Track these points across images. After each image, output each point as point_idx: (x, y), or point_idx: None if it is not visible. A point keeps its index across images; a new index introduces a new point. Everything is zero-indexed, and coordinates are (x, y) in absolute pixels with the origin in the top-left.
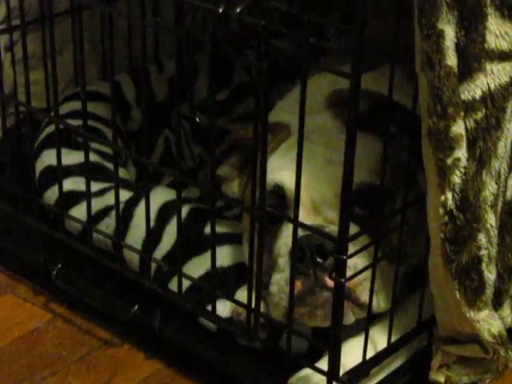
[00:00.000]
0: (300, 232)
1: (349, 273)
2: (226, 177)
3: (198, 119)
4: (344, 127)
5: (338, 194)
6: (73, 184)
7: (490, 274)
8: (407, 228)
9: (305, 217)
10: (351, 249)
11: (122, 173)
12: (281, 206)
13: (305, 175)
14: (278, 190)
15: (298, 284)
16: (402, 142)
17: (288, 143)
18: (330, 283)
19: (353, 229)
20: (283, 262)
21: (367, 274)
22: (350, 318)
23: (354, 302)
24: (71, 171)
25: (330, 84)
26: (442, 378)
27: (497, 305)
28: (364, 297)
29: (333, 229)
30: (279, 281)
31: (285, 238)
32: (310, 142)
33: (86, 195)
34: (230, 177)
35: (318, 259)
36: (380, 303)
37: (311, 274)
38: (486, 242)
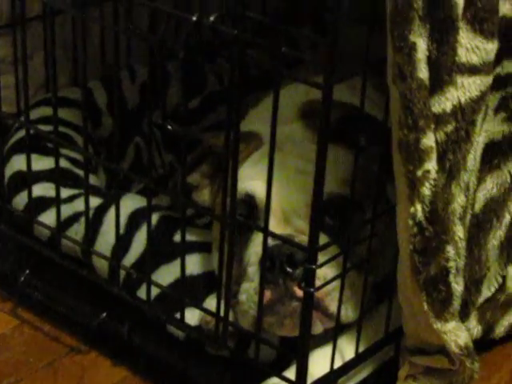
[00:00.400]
0: (270, 242)
1: (318, 283)
2: (197, 185)
3: (169, 127)
4: (315, 138)
5: (308, 204)
6: (42, 190)
7: (458, 286)
8: (376, 239)
9: (275, 226)
10: (321, 259)
11: (92, 179)
12: (251, 215)
13: (276, 185)
14: (249, 199)
15: (267, 293)
16: (372, 153)
17: (260, 152)
18: (299, 293)
19: (322, 239)
20: (253, 270)
21: (336, 284)
22: (318, 328)
23: (322, 312)
24: (41, 177)
25: (303, 94)
26: None
27: (463, 316)
28: (333, 307)
29: (303, 239)
30: (248, 290)
31: (255, 247)
32: (282, 152)
33: (56, 201)
34: (201, 185)
35: (288, 269)
36: (349, 313)
37: (281, 284)
38: (454, 254)
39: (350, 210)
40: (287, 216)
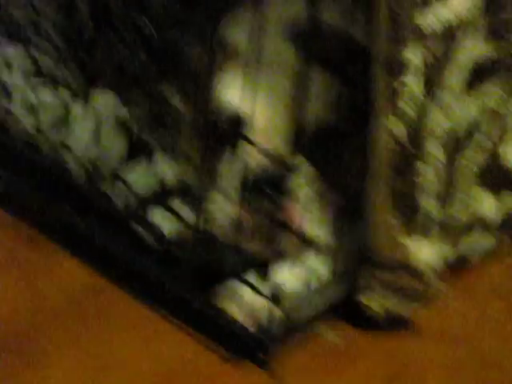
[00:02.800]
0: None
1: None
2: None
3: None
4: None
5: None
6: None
7: (426, 203)
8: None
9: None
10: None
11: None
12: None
13: (263, 105)
14: (234, 115)
15: (244, 213)
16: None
17: (240, 67)
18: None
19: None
20: (224, 184)
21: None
22: (290, 248)
23: (295, 232)
24: None
25: (287, 6)
26: (371, 302)
27: (427, 232)
28: (304, 226)
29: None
30: (219, 202)
31: (237, 163)
32: (267, 69)
33: None
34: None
35: (267, 190)
36: (321, 234)
37: (257, 205)
38: (426, 172)
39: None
40: (270, 137)
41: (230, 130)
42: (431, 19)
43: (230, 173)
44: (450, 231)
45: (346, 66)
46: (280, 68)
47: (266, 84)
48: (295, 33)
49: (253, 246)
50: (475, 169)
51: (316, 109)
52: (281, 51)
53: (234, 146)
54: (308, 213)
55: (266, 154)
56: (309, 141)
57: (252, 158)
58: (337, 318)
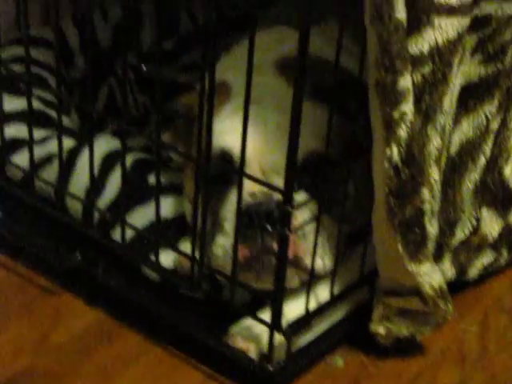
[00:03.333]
0: (249, 199)
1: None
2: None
3: (144, 68)
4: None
5: None
6: (15, 131)
7: (432, 228)
8: (352, 187)
9: (253, 183)
10: (299, 217)
11: (65, 121)
12: (228, 172)
13: (254, 141)
14: (225, 155)
15: (245, 250)
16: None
17: (232, 105)
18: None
19: (301, 196)
20: (229, 226)
21: (313, 236)
22: (295, 282)
23: (300, 267)
24: (13, 117)
25: (278, 43)
26: (382, 330)
27: (438, 258)
28: (309, 261)
29: (280, 198)
30: (224, 245)
31: (232, 204)
32: (260, 105)
33: (29, 142)
34: (174, 144)
35: (267, 226)
36: (326, 265)
37: (259, 241)
38: (430, 197)
39: (328, 167)
40: (266, 173)
41: (225, 166)
42: (421, 44)
43: (228, 209)
44: (460, 255)
45: (341, 97)
46: (273, 101)
47: (259, 120)
48: (287, 67)
49: (252, 279)
50: (474, 187)
51: (310, 140)
52: (273, 85)
53: (229, 182)
54: (309, 243)
55: (261, 182)
56: (306, 172)
57: (248, 192)
58: (342, 342)
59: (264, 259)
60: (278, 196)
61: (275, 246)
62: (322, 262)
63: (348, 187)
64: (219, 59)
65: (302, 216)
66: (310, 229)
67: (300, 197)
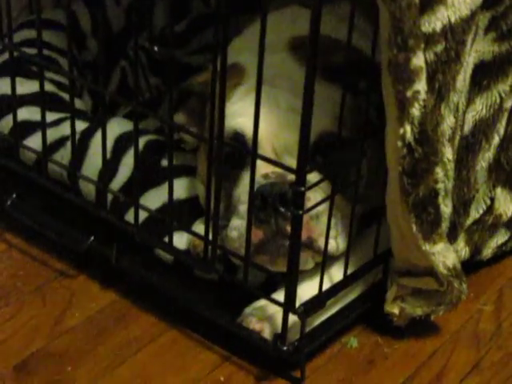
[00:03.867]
0: (262, 181)
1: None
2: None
3: (156, 49)
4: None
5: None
6: (28, 113)
7: (446, 208)
8: (365, 166)
9: (265, 165)
10: (311, 197)
11: (77, 103)
12: (241, 153)
13: (266, 122)
14: (238, 136)
15: (259, 233)
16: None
17: (246, 87)
18: None
19: (314, 177)
20: (244, 208)
21: (326, 218)
22: (309, 265)
23: (314, 249)
24: (26, 100)
25: (290, 24)
26: (396, 310)
27: (452, 238)
28: (323, 243)
29: (293, 178)
30: (239, 228)
31: (246, 186)
32: (273, 86)
33: (41, 125)
34: (187, 124)
35: (280, 208)
36: (339, 247)
37: (272, 223)
38: (443, 176)
39: (341, 147)
40: (278, 154)
41: (238, 148)
42: (434, 22)
43: (242, 190)
44: (474, 234)
45: (353, 76)
46: (285, 83)
47: (272, 101)
48: (300, 47)
49: (267, 262)
50: (488, 167)
51: (322, 120)
52: (286, 66)
53: (242, 164)
54: (323, 224)
55: (277, 166)
56: (318, 152)
57: (261, 174)
58: (356, 322)
59: (278, 242)
60: (291, 177)
61: (289, 228)
62: (336, 242)
63: (361, 167)
64: (232, 41)
65: (315, 197)
66: (324, 210)
67: (313, 177)
